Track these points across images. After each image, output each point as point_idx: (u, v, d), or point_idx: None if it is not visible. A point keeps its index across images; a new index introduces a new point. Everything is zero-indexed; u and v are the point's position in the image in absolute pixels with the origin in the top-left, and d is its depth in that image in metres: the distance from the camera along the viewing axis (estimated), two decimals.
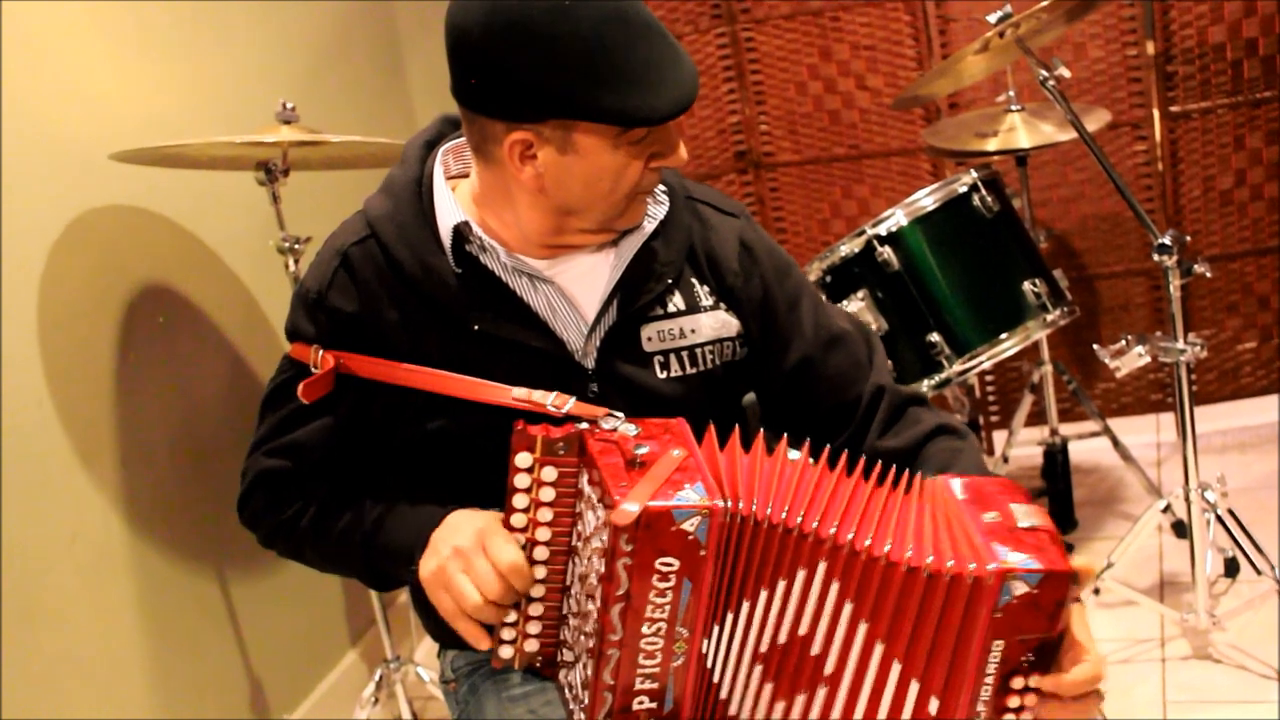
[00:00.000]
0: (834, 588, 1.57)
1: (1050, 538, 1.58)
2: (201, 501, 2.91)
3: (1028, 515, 1.61)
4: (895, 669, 1.58)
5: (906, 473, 1.70)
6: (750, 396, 2.06)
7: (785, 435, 1.70)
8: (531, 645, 1.71)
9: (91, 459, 2.62)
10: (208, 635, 2.95)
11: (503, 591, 1.64)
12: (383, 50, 3.75)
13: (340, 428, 1.86)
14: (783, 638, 1.59)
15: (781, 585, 1.57)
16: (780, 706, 1.61)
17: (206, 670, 2.92)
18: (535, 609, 1.69)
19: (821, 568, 1.56)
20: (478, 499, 1.73)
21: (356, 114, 3.56)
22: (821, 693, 1.60)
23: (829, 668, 1.59)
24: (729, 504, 1.54)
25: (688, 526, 1.51)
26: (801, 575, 1.57)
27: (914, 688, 1.58)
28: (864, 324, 2.02)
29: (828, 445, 1.68)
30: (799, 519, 1.56)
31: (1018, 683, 1.56)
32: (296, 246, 2.81)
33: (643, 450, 1.58)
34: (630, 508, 1.49)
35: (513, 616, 1.69)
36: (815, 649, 1.59)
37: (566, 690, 1.69)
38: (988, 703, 1.56)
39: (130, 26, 2.79)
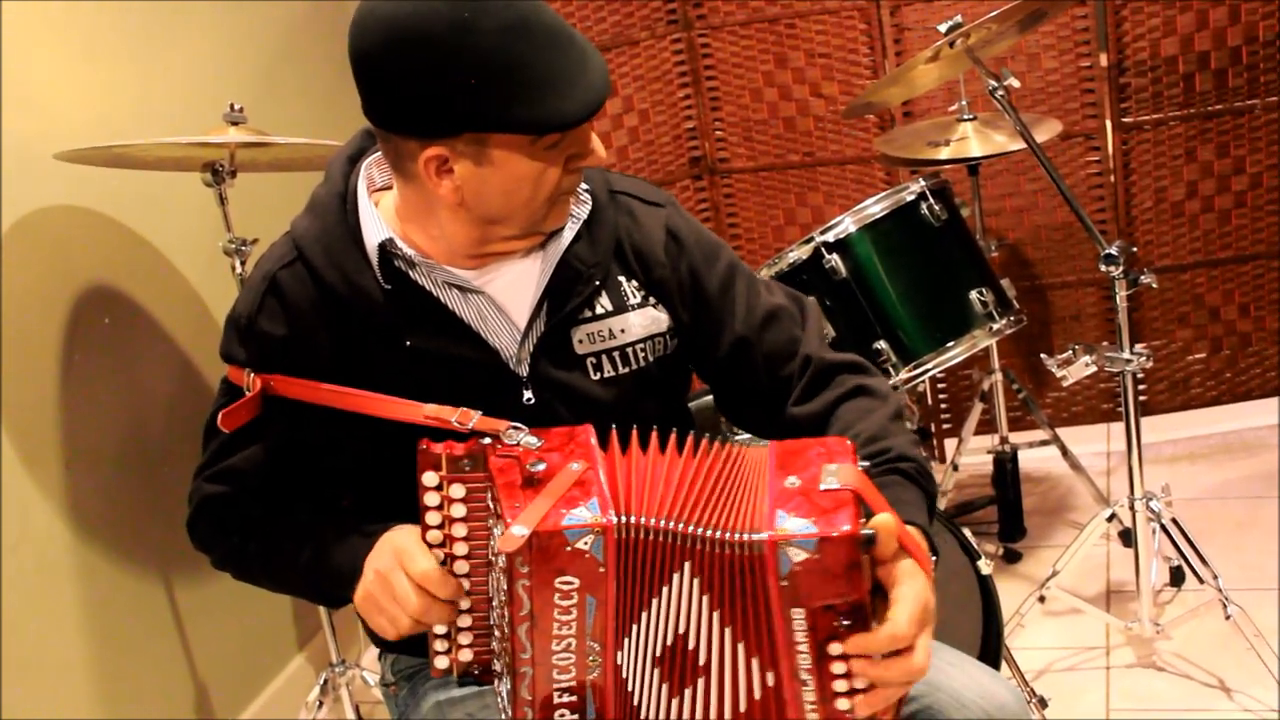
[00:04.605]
0: (695, 582, 1.56)
1: (849, 498, 1.54)
2: (148, 505, 2.89)
3: (833, 476, 1.57)
4: (741, 648, 1.57)
5: (728, 445, 1.68)
6: (701, 401, 2.06)
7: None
8: (466, 655, 1.70)
9: (35, 462, 2.60)
10: (153, 639, 2.93)
11: (424, 604, 1.64)
12: (334, 52, 3.71)
13: (275, 451, 1.86)
14: (670, 639, 1.59)
15: (665, 589, 1.57)
16: (675, 704, 1.61)
17: (152, 674, 2.90)
18: (465, 620, 1.68)
19: (687, 566, 1.56)
20: (411, 516, 1.72)
21: (307, 116, 3.54)
22: (701, 684, 1.60)
23: (702, 659, 1.59)
24: (624, 519, 1.53)
25: (582, 545, 1.50)
26: (676, 576, 1.56)
27: (755, 664, 1.57)
28: (799, 294, 2.00)
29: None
30: (671, 523, 1.55)
31: (836, 648, 1.53)
32: (244, 248, 2.79)
33: (540, 467, 1.57)
34: (519, 531, 1.49)
35: (443, 628, 1.69)
36: (690, 643, 1.59)
37: (499, 700, 1.69)
38: (811, 671, 1.54)
39: (76, 25, 2.77)
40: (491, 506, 1.61)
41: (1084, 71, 3.86)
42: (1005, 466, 3.71)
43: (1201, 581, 2.98)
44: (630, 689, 1.60)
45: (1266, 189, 3.89)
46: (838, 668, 1.54)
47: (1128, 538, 3.26)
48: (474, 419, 1.69)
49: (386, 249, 1.78)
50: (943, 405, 4.22)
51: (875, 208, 2.95)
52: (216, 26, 3.23)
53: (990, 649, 2.69)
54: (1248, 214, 3.92)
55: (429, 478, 1.62)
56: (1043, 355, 2.97)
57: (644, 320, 1.89)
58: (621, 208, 1.91)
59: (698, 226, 1.97)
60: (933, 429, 4.17)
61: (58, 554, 2.65)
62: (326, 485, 1.91)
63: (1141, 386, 4.06)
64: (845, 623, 1.52)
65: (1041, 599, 3.04)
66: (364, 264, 1.79)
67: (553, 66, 1.62)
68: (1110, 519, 3.07)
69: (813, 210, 4.16)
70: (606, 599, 1.53)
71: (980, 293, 2.97)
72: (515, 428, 1.65)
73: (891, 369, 2.90)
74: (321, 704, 3.04)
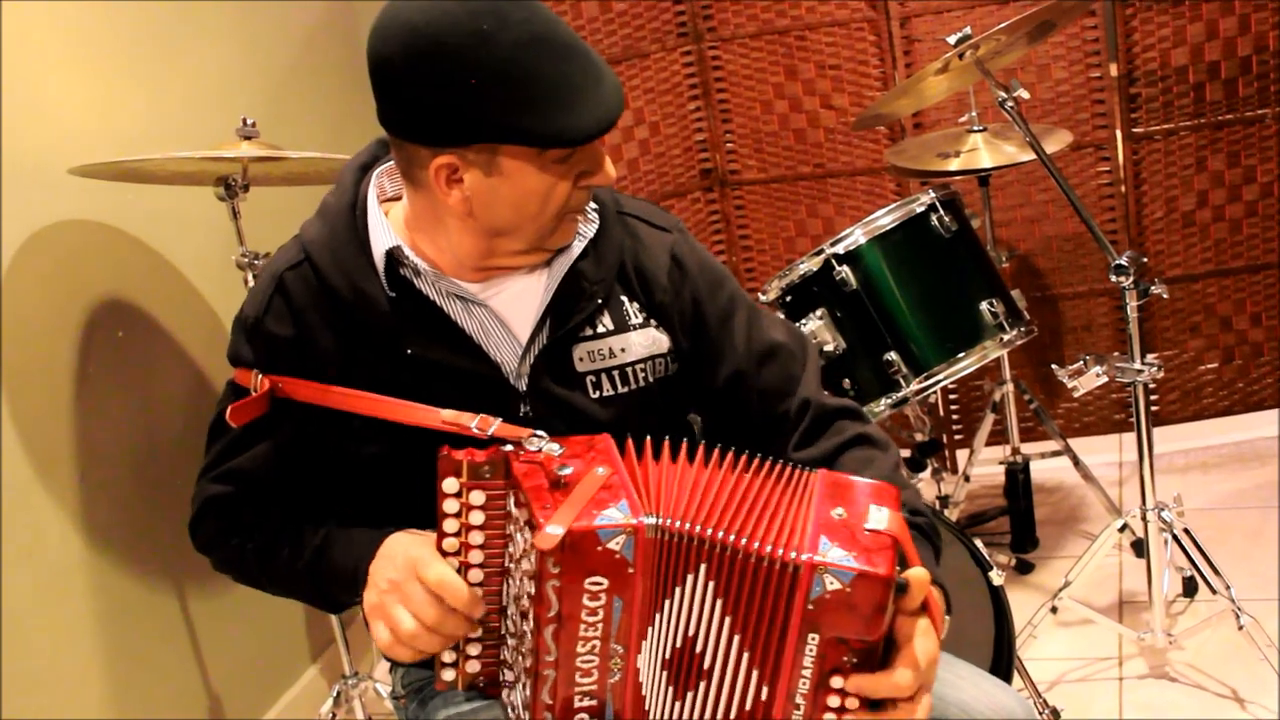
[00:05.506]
0: (711, 585, 1.57)
1: (889, 543, 1.55)
2: (161, 517, 2.90)
3: (879, 519, 1.58)
4: (746, 657, 1.58)
5: (785, 466, 1.69)
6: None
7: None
8: (473, 666, 1.71)
9: (50, 474, 2.61)
10: (167, 651, 2.94)
11: (439, 614, 1.63)
12: (347, 66, 3.75)
13: (281, 452, 1.86)
14: (680, 641, 1.59)
15: (678, 591, 1.57)
16: (678, 706, 1.62)
17: (165, 685, 2.91)
18: (474, 630, 1.68)
19: (702, 569, 1.56)
20: (418, 520, 1.73)
21: (320, 130, 3.56)
22: (702, 687, 1.61)
23: (707, 662, 1.60)
24: (655, 521, 1.54)
25: (613, 545, 1.51)
26: (690, 577, 1.57)
27: (755, 676, 1.58)
28: (801, 334, 2.01)
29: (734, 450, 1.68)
30: (688, 525, 1.56)
31: (837, 681, 1.55)
32: (256, 262, 2.80)
33: (566, 471, 1.58)
34: (554, 530, 1.49)
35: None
36: (698, 646, 1.59)
37: (510, 710, 1.69)
38: (806, 696, 1.56)
39: (89, 40, 2.79)
40: (512, 513, 1.62)
41: (1094, 82, 3.86)
42: (1017, 477, 3.71)
43: (1214, 592, 2.97)
44: (644, 693, 1.61)
45: (1277, 198, 3.89)
46: (833, 701, 1.56)
47: (1140, 548, 3.26)
48: (494, 425, 1.71)
49: (393, 256, 1.79)
50: (954, 416, 4.22)
51: (885, 219, 2.95)
52: (229, 41, 3.25)
53: (1002, 659, 2.68)
54: (1259, 223, 3.92)
55: (449, 484, 1.62)
56: (1054, 366, 2.97)
57: (645, 340, 1.89)
58: (628, 228, 1.92)
59: (703, 255, 1.97)
60: (944, 440, 4.17)
61: (71, 564, 2.66)
62: (330, 489, 1.91)
63: (1153, 396, 4.06)
64: (853, 660, 1.54)
65: (1054, 609, 3.04)
66: (370, 270, 1.79)
67: (567, 81, 1.63)
68: (1122, 529, 3.06)
69: (823, 221, 4.17)
70: (633, 601, 1.54)
71: (991, 303, 2.97)
72: (537, 435, 1.66)
73: (903, 380, 2.90)
74: (335, 716, 3.05)
